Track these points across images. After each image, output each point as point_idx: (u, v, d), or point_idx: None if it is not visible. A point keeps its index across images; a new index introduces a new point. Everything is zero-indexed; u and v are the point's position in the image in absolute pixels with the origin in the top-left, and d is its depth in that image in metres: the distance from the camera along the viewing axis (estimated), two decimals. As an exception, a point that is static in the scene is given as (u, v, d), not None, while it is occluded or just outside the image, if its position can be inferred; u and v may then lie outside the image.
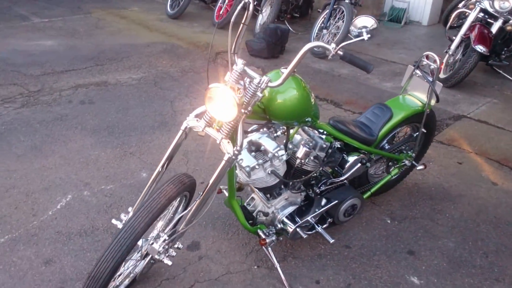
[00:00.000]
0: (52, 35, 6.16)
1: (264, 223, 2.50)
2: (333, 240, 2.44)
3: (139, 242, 2.05)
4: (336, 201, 2.52)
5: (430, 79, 2.71)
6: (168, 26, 6.94)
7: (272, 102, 2.08)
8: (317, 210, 2.50)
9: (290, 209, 2.50)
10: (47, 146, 3.48)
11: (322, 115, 4.41)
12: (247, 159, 2.25)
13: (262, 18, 6.68)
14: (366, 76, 5.42)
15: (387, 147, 2.91)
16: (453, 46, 5.03)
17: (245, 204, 2.54)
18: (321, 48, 1.93)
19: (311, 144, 2.37)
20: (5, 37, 5.88)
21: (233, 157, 2.01)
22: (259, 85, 1.93)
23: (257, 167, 2.22)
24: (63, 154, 3.40)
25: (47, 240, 2.58)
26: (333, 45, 1.90)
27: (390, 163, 2.99)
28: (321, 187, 2.58)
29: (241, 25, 2.02)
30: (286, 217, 2.47)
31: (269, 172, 2.28)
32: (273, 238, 2.43)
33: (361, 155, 2.58)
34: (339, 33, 5.80)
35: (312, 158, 2.41)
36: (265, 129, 2.39)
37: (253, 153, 2.29)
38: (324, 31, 6.05)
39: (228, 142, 2.00)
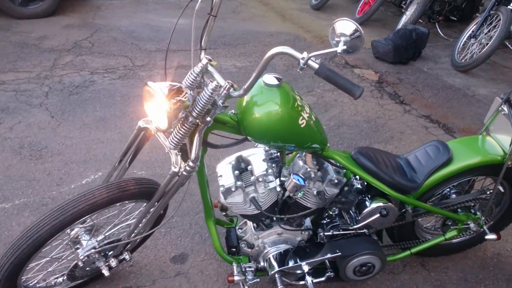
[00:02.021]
0: (189, 14, 6.34)
1: (249, 256, 2.10)
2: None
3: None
4: (340, 254, 1.98)
5: (517, 121, 1.93)
6: (304, 17, 6.61)
7: (246, 116, 1.67)
8: (313, 257, 2.00)
9: (282, 247, 2.05)
10: (113, 121, 3.54)
11: (420, 139, 3.66)
12: (226, 177, 1.87)
13: (406, 17, 5.90)
14: None
15: (453, 197, 2.20)
16: None
17: (237, 227, 2.18)
18: (291, 56, 1.45)
19: (313, 176, 1.87)
20: (146, 12, 6.27)
21: (184, 172, 1.67)
22: (217, 92, 1.56)
23: (233, 189, 1.83)
24: (123, 131, 3.41)
25: (52, 213, 2.58)
26: (305, 53, 1.41)
27: (448, 222, 2.26)
28: (331, 231, 2.06)
29: (208, 16, 1.66)
30: (274, 256, 2.03)
31: (250, 198, 1.87)
32: (249, 277, 2.01)
33: (388, 203, 1.97)
34: (489, 44, 4.76)
35: (314, 193, 1.91)
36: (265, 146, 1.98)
37: (237, 172, 1.90)
38: (472, 40, 5.06)
39: (177, 154, 1.67)
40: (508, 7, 4.85)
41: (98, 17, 5.84)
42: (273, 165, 1.91)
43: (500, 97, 2.04)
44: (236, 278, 1.99)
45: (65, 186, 2.79)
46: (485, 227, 2.23)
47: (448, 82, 4.73)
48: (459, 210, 2.22)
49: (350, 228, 2.04)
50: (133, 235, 1.83)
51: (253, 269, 2.04)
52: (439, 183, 2.04)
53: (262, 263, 2.05)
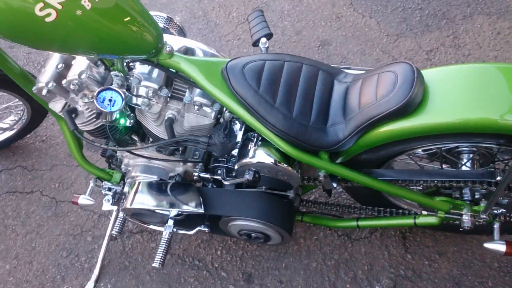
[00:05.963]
0: None
1: (123, 173, 1.56)
2: (156, 264, 1.35)
3: None
4: (202, 211, 1.31)
5: None
6: None
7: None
8: (178, 205, 1.37)
9: (152, 178, 1.45)
10: None
11: None
12: (45, 73, 1.28)
13: None
14: None
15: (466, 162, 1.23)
16: None
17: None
18: None
19: (151, 95, 1.16)
20: None
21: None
22: None
23: (44, 92, 1.25)
24: None
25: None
26: None
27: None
28: (212, 173, 1.36)
29: None
30: (142, 185, 1.45)
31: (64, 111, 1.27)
32: (105, 201, 1.50)
33: (281, 165, 1.14)
34: None
35: (165, 118, 1.21)
36: None
37: (61, 66, 1.26)
38: None
39: None
40: None
41: None
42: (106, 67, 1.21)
43: None
44: (80, 201, 1.49)
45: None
46: (496, 226, 1.22)
47: None
48: (450, 190, 1.23)
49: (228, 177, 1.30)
50: None
51: (112, 193, 1.51)
52: (392, 144, 1.08)
53: (125, 188, 1.50)
